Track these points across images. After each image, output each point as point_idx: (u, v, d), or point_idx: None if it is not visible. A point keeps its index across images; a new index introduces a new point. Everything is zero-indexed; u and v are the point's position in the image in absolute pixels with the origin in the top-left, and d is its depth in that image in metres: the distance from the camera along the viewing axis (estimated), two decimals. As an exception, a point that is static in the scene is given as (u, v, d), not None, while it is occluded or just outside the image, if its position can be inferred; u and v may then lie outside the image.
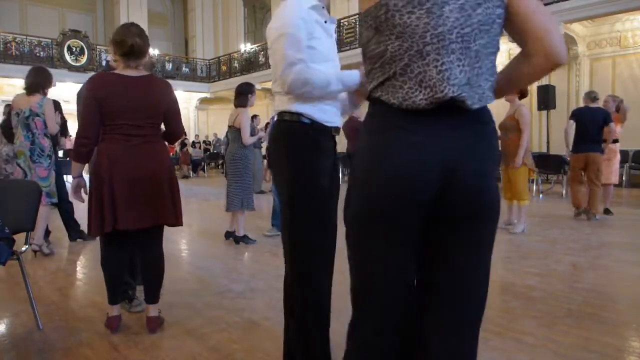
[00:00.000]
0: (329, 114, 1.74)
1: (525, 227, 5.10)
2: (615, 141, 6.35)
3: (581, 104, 6.46)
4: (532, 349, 2.18)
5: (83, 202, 2.47)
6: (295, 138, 1.71)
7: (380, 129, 1.05)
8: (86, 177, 2.44)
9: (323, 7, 1.73)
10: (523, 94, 5.12)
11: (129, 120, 2.30)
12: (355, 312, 1.13)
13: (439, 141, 1.00)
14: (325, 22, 1.72)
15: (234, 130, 4.63)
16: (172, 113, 2.48)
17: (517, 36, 1.07)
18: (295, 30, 1.60)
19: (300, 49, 1.60)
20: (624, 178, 9.58)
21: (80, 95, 2.83)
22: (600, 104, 6.21)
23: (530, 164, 5.07)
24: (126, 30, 2.32)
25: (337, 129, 1.79)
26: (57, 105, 4.44)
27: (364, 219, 1.06)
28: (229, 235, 4.88)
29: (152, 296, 2.48)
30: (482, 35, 1.01)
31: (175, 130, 2.54)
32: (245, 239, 4.77)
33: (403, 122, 1.01)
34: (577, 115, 6.04)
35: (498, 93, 1.12)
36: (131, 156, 2.31)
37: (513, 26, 1.06)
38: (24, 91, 4.13)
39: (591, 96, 6.12)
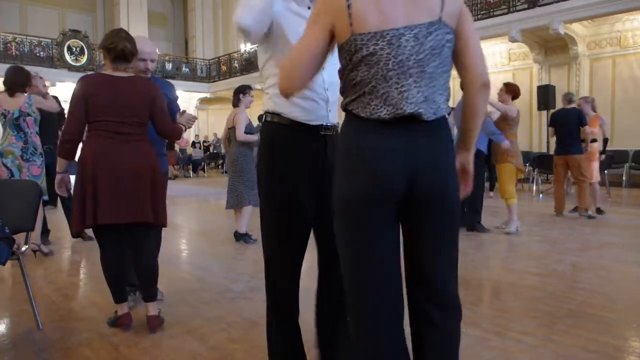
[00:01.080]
0: (314, 112, 1.60)
1: (518, 226, 5.05)
2: (594, 141, 6.44)
3: (580, 105, 6.50)
4: (532, 349, 2.18)
5: (66, 197, 2.52)
6: (270, 139, 1.65)
7: (358, 134, 1.26)
8: None
9: None
10: (515, 95, 5.17)
11: (114, 117, 2.36)
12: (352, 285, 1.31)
13: (404, 146, 1.22)
14: (309, 8, 1.61)
15: (234, 130, 4.70)
16: (156, 112, 2.49)
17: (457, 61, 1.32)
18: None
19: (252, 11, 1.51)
20: (623, 178, 9.59)
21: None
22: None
23: (517, 164, 5.04)
24: (115, 35, 2.41)
25: (327, 127, 1.63)
26: (56, 100, 4.49)
27: (353, 204, 1.26)
28: (239, 237, 4.84)
29: (149, 293, 2.51)
30: (434, 58, 1.23)
31: (162, 130, 2.55)
32: (245, 237, 4.77)
33: (375, 130, 1.24)
34: (554, 119, 6.18)
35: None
36: (114, 153, 2.34)
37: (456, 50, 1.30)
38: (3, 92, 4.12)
39: (567, 98, 6.23)
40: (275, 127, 1.62)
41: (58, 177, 2.48)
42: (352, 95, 1.28)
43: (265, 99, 1.66)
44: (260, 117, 4.88)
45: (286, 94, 1.32)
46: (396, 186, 1.22)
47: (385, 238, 1.27)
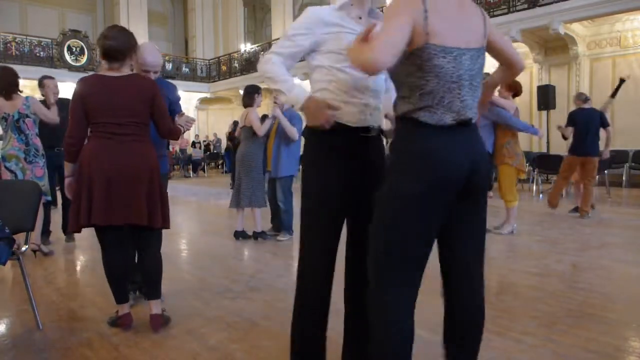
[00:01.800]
0: (355, 115, 1.69)
1: (514, 229, 5.01)
2: None
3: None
4: (532, 349, 2.18)
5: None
6: (311, 141, 1.77)
7: (424, 137, 1.44)
8: None
9: (352, 4, 1.72)
10: (516, 92, 5.08)
11: (111, 118, 2.34)
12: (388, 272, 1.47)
13: (462, 145, 1.45)
14: (360, 18, 1.72)
15: (246, 129, 4.78)
16: (157, 112, 2.48)
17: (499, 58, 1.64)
18: (296, 36, 1.68)
19: (285, 45, 1.69)
20: (623, 178, 9.59)
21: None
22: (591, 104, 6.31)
23: (518, 164, 4.95)
24: (103, 34, 2.38)
25: (367, 129, 1.71)
26: (66, 104, 4.45)
27: (417, 197, 1.42)
28: (238, 235, 4.92)
29: (152, 291, 2.50)
30: (479, 74, 1.50)
31: (161, 130, 2.54)
32: (263, 235, 4.88)
33: (441, 133, 1.43)
34: (573, 119, 6.08)
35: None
36: (112, 154, 2.33)
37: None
38: None
39: (582, 98, 6.18)
40: (315, 129, 1.69)
41: (67, 180, 2.48)
42: (420, 104, 1.44)
43: None
44: (264, 117, 4.90)
45: (372, 69, 1.35)
46: (461, 175, 1.43)
47: (436, 224, 1.47)
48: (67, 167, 2.45)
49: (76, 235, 5.18)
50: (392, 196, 1.45)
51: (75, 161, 2.40)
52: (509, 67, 1.66)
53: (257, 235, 4.88)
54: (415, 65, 1.42)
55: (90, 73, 3.04)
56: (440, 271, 1.57)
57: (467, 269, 1.54)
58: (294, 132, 4.70)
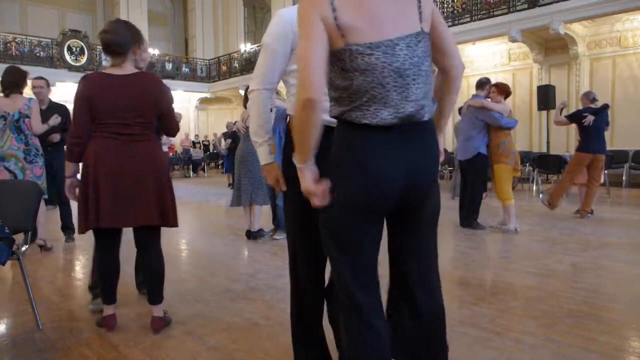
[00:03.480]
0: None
1: (517, 226, 5.05)
2: None
3: (580, 105, 6.48)
4: (532, 349, 2.18)
5: (76, 200, 2.45)
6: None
7: (358, 142, 1.33)
8: None
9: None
10: (507, 94, 5.25)
11: (117, 119, 2.31)
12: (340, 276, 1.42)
13: (402, 151, 1.32)
14: None
15: (246, 129, 4.79)
16: (163, 110, 2.46)
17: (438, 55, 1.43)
18: (275, 43, 1.67)
19: (271, 67, 1.69)
20: (623, 178, 9.59)
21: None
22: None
23: (514, 163, 5.01)
24: (106, 26, 2.35)
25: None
26: (66, 112, 4.46)
27: (352, 207, 1.35)
28: (249, 234, 4.93)
29: (155, 297, 2.47)
30: (426, 59, 1.35)
31: (169, 127, 2.55)
32: (260, 233, 4.89)
33: (372, 137, 1.31)
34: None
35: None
36: (117, 155, 2.31)
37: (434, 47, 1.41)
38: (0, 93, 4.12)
39: (590, 97, 6.16)
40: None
41: (67, 181, 2.43)
42: (350, 104, 1.33)
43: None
44: None
45: (314, 105, 1.25)
46: (390, 189, 1.32)
47: (374, 242, 1.40)
48: (68, 167, 2.42)
49: (76, 235, 5.19)
50: (332, 203, 1.37)
51: (77, 161, 2.38)
52: (443, 71, 1.45)
53: (251, 235, 4.86)
54: (338, 67, 1.31)
55: (92, 72, 3.02)
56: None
57: (410, 286, 1.47)
58: None
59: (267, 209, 5.26)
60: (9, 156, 4.04)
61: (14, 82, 4.08)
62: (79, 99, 2.32)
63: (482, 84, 5.39)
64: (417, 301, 1.47)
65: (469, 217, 5.30)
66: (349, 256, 1.38)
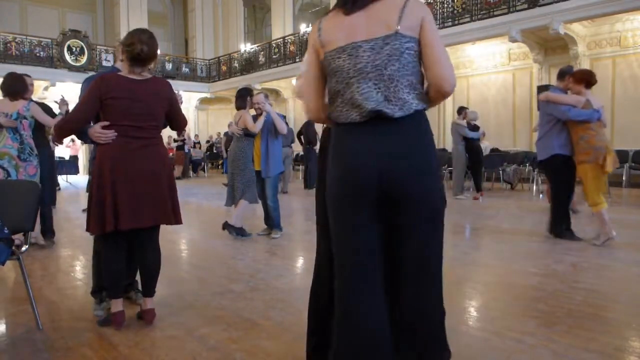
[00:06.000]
0: None
1: (613, 234, 4.27)
2: None
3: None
4: (532, 349, 2.18)
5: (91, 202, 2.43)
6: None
7: (337, 137, 1.49)
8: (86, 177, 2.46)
9: None
10: (588, 82, 4.43)
11: (132, 122, 2.38)
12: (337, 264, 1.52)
13: (374, 145, 1.40)
14: None
15: (240, 130, 4.90)
16: (174, 111, 2.60)
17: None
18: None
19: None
20: (623, 178, 9.58)
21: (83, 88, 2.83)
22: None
23: (594, 160, 4.23)
24: (136, 36, 2.37)
25: None
26: (50, 110, 4.52)
27: (336, 198, 1.49)
28: (225, 225, 4.95)
29: (152, 289, 2.57)
30: (393, 62, 1.41)
31: (181, 124, 2.70)
32: (239, 231, 4.89)
33: (349, 131, 1.45)
34: None
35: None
36: (133, 158, 2.38)
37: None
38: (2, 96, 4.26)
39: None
40: None
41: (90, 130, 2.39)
42: (332, 106, 1.52)
43: None
44: (254, 117, 4.93)
45: (318, 119, 1.63)
46: (365, 180, 1.40)
47: (362, 233, 1.45)
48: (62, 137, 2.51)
49: (76, 236, 5.19)
50: (326, 194, 1.55)
51: (61, 142, 2.56)
52: (429, 82, 1.46)
53: (226, 227, 4.88)
54: (327, 75, 1.54)
55: (91, 73, 3.06)
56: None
57: (401, 285, 1.49)
58: (283, 125, 4.93)
59: (260, 212, 5.28)
60: (3, 154, 4.11)
61: (12, 91, 4.19)
62: (90, 93, 2.35)
63: (563, 73, 4.70)
64: (400, 301, 1.47)
65: (556, 225, 4.70)
66: (340, 243, 1.50)
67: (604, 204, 4.30)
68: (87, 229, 2.43)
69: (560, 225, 4.70)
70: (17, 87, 4.20)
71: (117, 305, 2.48)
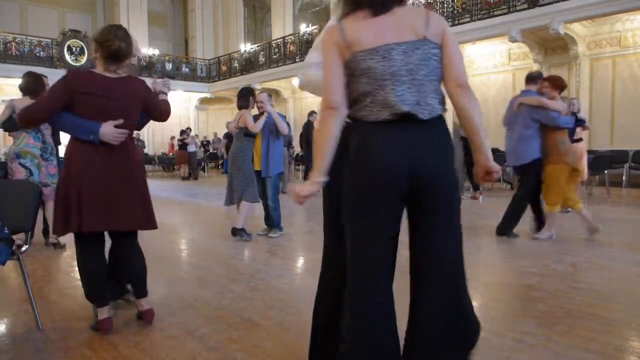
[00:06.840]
0: None
1: (553, 235, 4.60)
2: (579, 140, 6.50)
3: (581, 104, 6.52)
4: (532, 349, 2.18)
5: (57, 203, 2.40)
6: None
7: (365, 135, 1.51)
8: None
9: None
10: (562, 88, 4.68)
11: (104, 121, 2.28)
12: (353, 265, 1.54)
13: (401, 142, 1.45)
14: None
15: (239, 130, 4.90)
16: (152, 105, 2.49)
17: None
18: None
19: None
20: (623, 178, 9.58)
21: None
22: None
23: (572, 162, 4.43)
24: (111, 32, 2.29)
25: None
26: None
27: (360, 192, 1.51)
28: (234, 231, 4.92)
29: (143, 290, 2.54)
30: (422, 67, 1.48)
31: (164, 114, 2.56)
32: (240, 233, 4.87)
33: (379, 129, 1.48)
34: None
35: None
36: (101, 158, 2.29)
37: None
38: (20, 93, 4.28)
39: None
40: None
41: (104, 128, 2.28)
42: (359, 105, 1.53)
43: None
44: (255, 117, 4.93)
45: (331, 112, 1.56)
46: (396, 175, 1.44)
47: (386, 225, 1.50)
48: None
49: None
50: (344, 192, 1.56)
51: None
52: (451, 81, 1.53)
53: (235, 232, 4.87)
54: (349, 74, 1.53)
55: (82, 69, 3.04)
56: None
57: (425, 278, 1.54)
58: (284, 126, 4.92)
59: (260, 212, 5.27)
60: (25, 153, 4.15)
61: (33, 90, 4.19)
62: (62, 85, 2.25)
63: (534, 78, 4.83)
64: (413, 297, 1.56)
65: (509, 226, 4.77)
66: (360, 238, 1.51)
67: (580, 204, 4.57)
68: (54, 231, 2.39)
69: (511, 226, 4.79)
70: (37, 87, 4.20)
71: (102, 312, 2.40)
